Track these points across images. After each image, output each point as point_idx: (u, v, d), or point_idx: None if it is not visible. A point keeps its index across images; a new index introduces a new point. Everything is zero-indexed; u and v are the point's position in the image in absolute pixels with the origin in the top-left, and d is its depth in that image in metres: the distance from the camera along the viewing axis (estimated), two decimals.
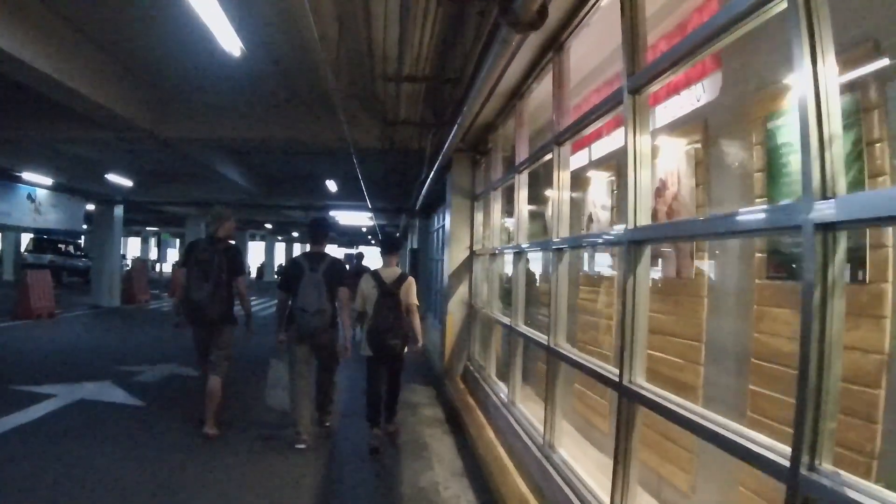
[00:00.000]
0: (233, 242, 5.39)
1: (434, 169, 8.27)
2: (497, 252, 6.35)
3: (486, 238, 7.30)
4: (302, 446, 4.85)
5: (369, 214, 19.08)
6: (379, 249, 5.74)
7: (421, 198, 11.45)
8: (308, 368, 5.08)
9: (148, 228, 38.67)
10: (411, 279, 5.20)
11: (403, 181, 12.31)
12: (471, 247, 7.59)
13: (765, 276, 2.54)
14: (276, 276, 39.63)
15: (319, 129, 8.19)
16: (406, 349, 5.13)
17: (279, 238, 45.60)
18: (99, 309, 17.15)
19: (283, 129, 8.39)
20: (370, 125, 8.02)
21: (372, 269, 5.62)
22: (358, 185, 13.33)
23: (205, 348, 5.12)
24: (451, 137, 6.50)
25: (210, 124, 8.73)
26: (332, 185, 13.01)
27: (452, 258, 7.60)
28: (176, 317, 5.32)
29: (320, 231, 5.23)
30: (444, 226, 9.42)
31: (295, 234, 42.48)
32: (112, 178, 13.94)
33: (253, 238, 40.98)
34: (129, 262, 38.46)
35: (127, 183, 14.49)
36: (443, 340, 7.77)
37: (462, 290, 7.59)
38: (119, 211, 18.55)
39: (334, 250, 50.78)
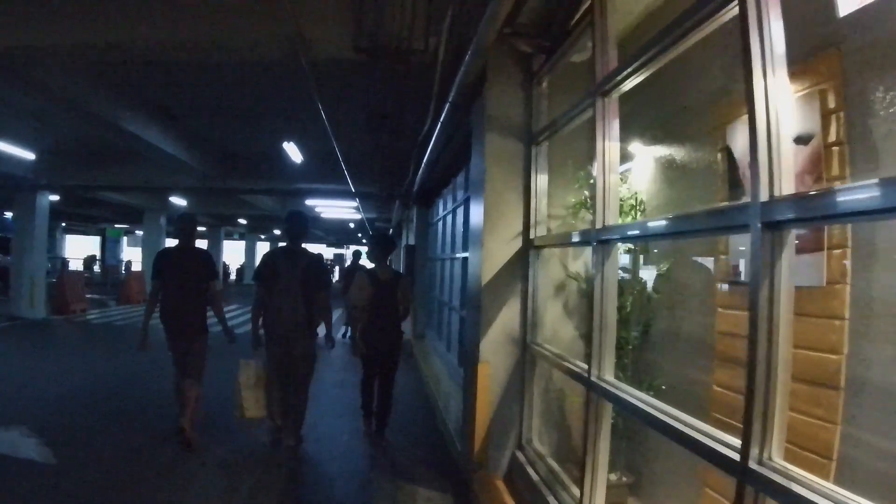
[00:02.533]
0: (202, 247, 5.46)
1: (449, 99, 4.72)
2: (610, 240, 2.82)
3: (571, 214, 3.81)
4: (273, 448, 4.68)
5: (354, 204, 15.44)
6: (371, 249, 5.42)
7: (422, 169, 7.91)
8: (283, 376, 4.73)
9: (118, 226, 34.92)
10: (405, 277, 5.30)
11: (395, 151, 8.82)
12: (525, 233, 4.04)
13: None
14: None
15: (251, 23, 4.58)
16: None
17: (262, 237, 41.68)
18: (15, 322, 13.58)
19: (191, 25, 4.72)
20: (335, 14, 4.41)
21: (367, 268, 5.52)
22: (335, 162, 9.81)
23: (182, 358, 4.86)
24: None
25: (61, 25, 5.02)
26: (293, 152, 9.23)
27: (488, 256, 4.02)
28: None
29: (298, 226, 4.80)
30: (468, 199, 5.99)
31: (276, 232, 38.51)
32: None
33: (230, 237, 37.11)
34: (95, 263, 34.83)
35: (26, 156, 10.78)
36: (469, 407, 4.20)
37: (507, 319, 4.01)
38: (44, 200, 14.88)
39: (323, 250, 47.31)
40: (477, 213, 4.36)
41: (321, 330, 4.85)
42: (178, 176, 12.40)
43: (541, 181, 4.01)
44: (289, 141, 8.43)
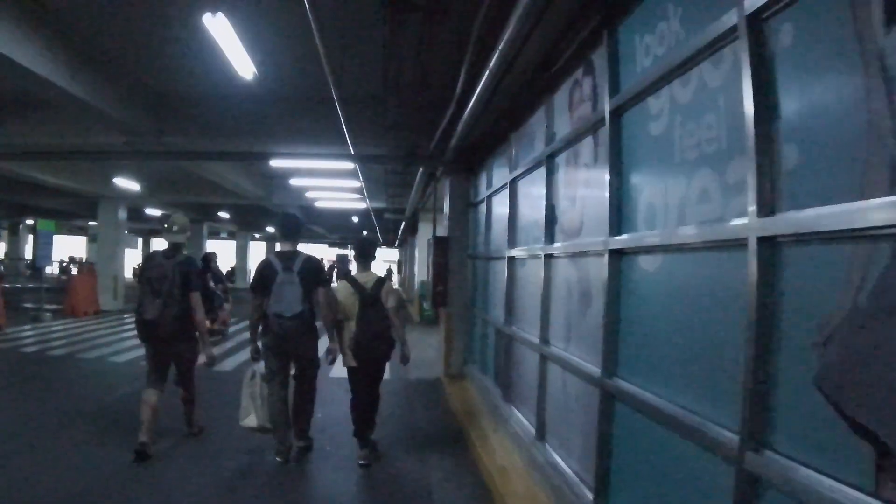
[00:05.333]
0: (188, 254, 5.03)
1: None
2: None
3: None
4: (280, 459, 4.63)
5: (356, 185, 11.36)
6: (353, 254, 5.45)
7: (480, 88, 3.90)
8: (285, 379, 4.74)
9: (91, 223, 30.98)
10: (390, 282, 4.88)
11: (431, 61, 4.86)
12: None
13: None
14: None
15: None
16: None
17: (255, 236, 37.57)
18: None
19: None
20: None
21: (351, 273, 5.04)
22: (322, 101, 5.83)
23: (160, 366, 4.83)
24: None
25: None
26: (231, 46, 4.69)
27: None
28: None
29: (290, 226, 4.88)
30: (616, 116, 1.93)
31: (270, 230, 34.36)
32: None
33: (216, 235, 33.06)
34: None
35: None
36: None
37: None
38: None
39: (324, 251, 43.46)
40: None
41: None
42: (96, 134, 8.39)
43: None
44: (214, 12, 4.25)
